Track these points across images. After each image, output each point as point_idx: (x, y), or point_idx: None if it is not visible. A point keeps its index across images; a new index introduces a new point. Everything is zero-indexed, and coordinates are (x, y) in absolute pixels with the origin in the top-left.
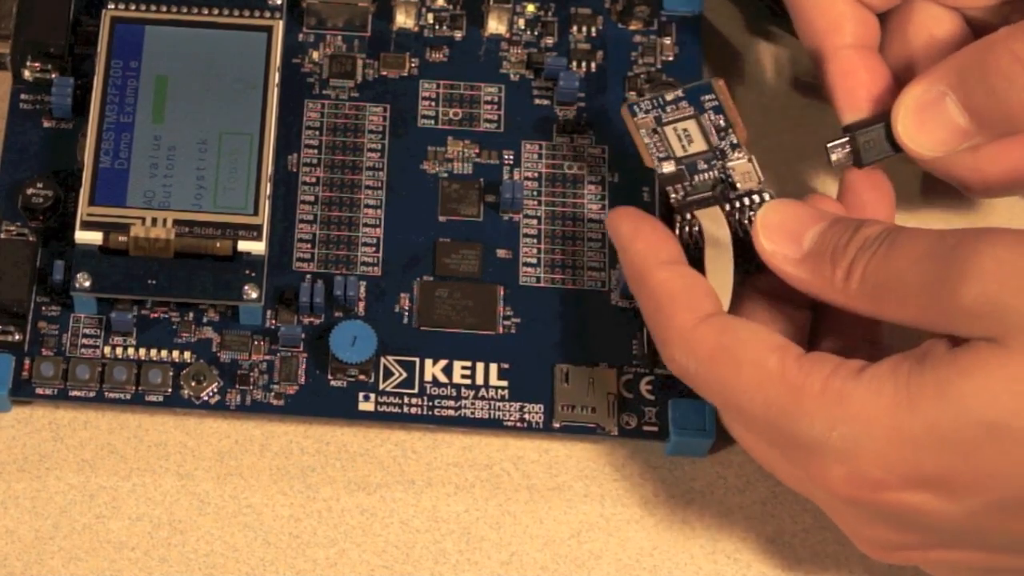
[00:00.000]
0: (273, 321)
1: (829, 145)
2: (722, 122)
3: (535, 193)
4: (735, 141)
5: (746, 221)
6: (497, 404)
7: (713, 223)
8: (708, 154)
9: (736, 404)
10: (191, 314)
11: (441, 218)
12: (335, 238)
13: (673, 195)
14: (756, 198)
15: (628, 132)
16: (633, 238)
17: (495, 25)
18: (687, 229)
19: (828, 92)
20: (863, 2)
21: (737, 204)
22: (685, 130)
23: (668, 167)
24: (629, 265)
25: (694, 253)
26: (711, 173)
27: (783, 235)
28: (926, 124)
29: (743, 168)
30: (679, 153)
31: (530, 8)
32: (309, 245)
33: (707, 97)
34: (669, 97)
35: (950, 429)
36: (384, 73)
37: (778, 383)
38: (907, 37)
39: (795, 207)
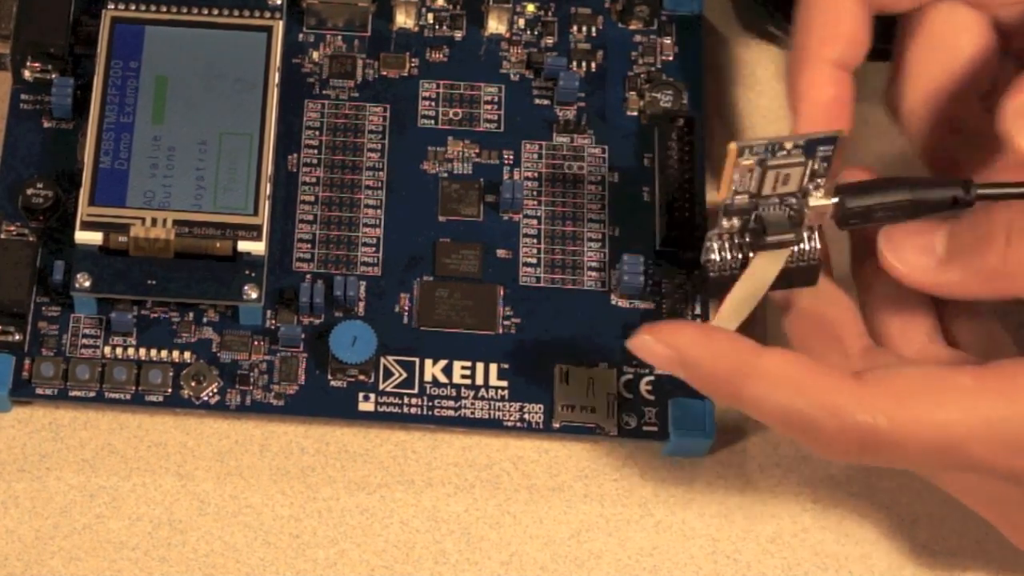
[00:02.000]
0: (273, 321)
1: (814, 204)
2: (823, 170)
3: (535, 193)
4: (821, 183)
5: (806, 250)
6: (497, 404)
7: (767, 264)
8: (792, 194)
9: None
10: (191, 314)
11: (441, 218)
12: (335, 238)
13: (753, 237)
14: (815, 235)
15: (724, 162)
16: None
17: (495, 25)
18: (728, 255)
19: (790, 93)
20: (881, 5)
21: (805, 235)
22: (787, 175)
23: (740, 200)
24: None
25: (719, 274)
26: (782, 209)
27: (914, 250)
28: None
29: (821, 208)
30: (766, 192)
31: (530, 8)
32: (309, 245)
33: (825, 148)
34: (788, 146)
35: None
36: (384, 73)
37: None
38: (929, 40)
39: (910, 224)
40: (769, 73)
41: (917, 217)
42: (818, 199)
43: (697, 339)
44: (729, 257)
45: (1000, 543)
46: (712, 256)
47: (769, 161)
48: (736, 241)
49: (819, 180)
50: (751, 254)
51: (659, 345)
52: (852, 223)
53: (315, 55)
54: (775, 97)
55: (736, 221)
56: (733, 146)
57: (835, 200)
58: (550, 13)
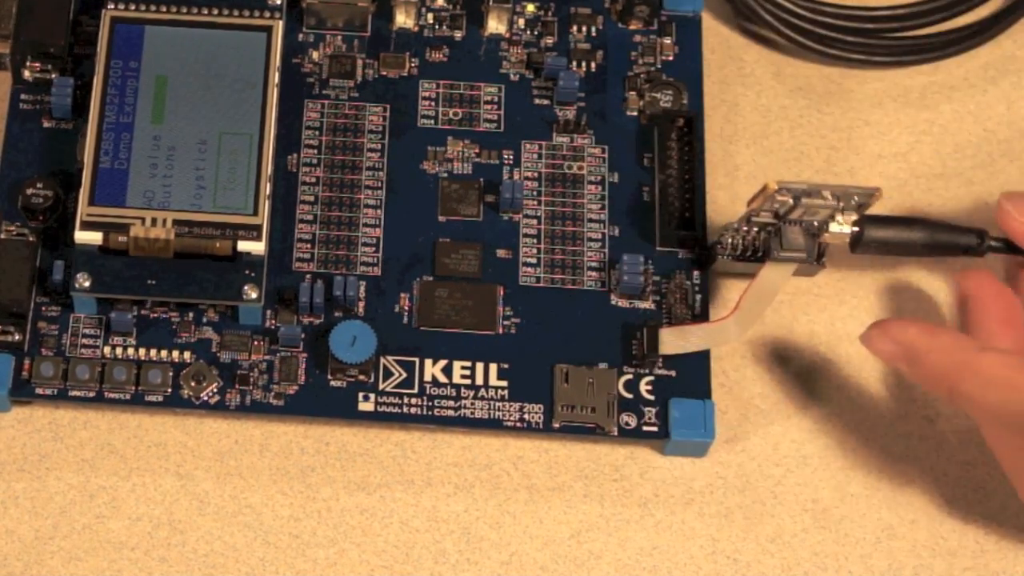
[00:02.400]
0: (273, 321)
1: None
2: (852, 209)
3: (535, 193)
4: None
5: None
6: (497, 404)
7: (777, 274)
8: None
9: None
10: (191, 314)
11: (441, 218)
12: (335, 238)
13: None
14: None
15: (759, 193)
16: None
17: (495, 25)
18: (739, 243)
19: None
20: None
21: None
22: (816, 211)
23: (766, 216)
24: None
25: (725, 257)
26: (802, 227)
27: None
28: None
29: (840, 235)
30: (792, 217)
31: (530, 8)
32: (309, 245)
33: (858, 200)
34: (826, 194)
35: None
36: (384, 73)
37: None
38: None
39: None
40: (769, 73)
41: (928, 256)
42: (839, 226)
43: (923, 334)
44: (740, 247)
45: (998, 543)
46: (725, 240)
47: (803, 200)
48: (751, 235)
49: (847, 215)
50: (760, 254)
51: (885, 340)
52: (865, 251)
53: (315, 55)
54: (775, 97)
55: (756, 228)
56: (772, 185)
57: (855, 229)
58: (550, 13)
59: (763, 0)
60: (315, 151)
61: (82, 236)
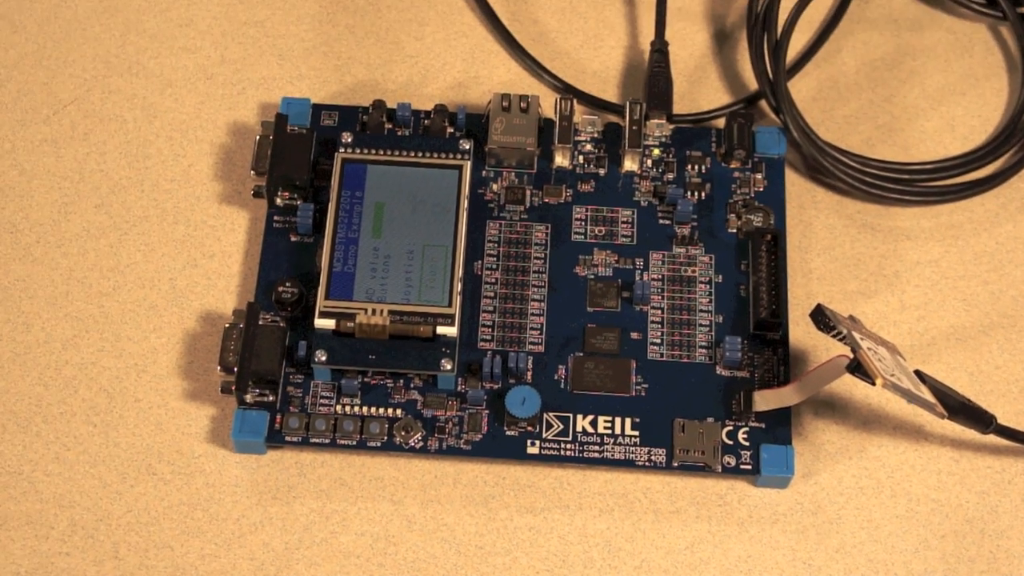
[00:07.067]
0: (463, 386)
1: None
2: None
3: (659, 290)
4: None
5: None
6: (630, 448)
7: (837, 371)
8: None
9: None
10: (401, 381)
11: (589, 309)
12: (510, 324)
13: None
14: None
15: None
16: None
17: (629, 164)
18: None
19: None
20: None
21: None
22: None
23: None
24: None
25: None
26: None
27: None
28: None
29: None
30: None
31: (656, 152)
32: (490, 329)
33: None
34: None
35: None
36: (546, 200)
37: None
38: None
39: None
40: (834, 200)
41: (949, 417)
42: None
43: None
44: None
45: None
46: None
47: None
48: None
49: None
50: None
51: None
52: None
53: (494, 187)
54: (838, 219)
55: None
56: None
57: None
58: (671, 155)
59: (828, 156)
60: (494, 258)
61: (320, 323)
